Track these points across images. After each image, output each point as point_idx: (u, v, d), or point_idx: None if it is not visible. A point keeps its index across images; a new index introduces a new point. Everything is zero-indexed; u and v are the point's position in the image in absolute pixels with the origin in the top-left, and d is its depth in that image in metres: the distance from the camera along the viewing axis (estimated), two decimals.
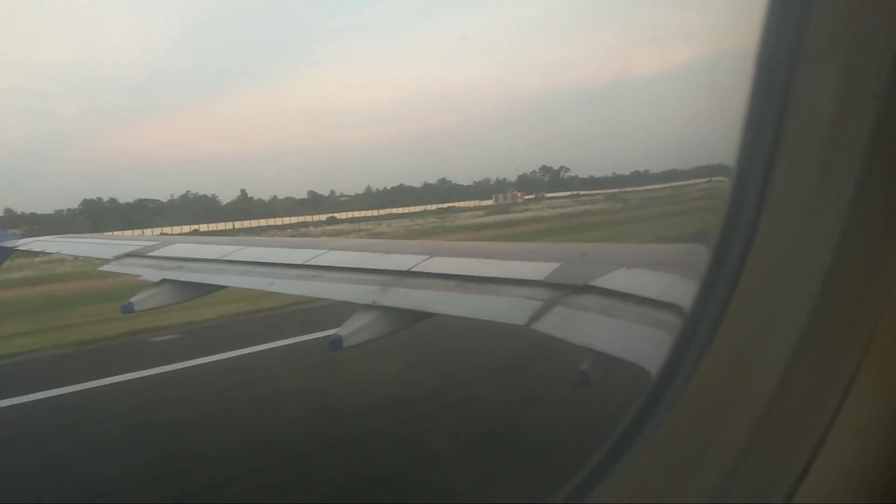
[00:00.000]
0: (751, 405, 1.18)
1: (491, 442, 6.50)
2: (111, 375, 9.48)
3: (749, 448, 1.18)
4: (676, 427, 1.28)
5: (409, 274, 4.74)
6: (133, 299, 6.17)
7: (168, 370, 9.76)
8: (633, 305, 3.15)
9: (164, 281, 6.30)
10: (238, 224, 53.04)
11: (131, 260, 7.50)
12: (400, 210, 62.74)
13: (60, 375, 9.66)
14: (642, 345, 2.87)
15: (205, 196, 68.39)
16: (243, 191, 69.41)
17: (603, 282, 3.53)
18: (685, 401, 1.27)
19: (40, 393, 8.85)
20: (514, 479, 5.64)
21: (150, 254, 7.43)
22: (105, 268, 7.79)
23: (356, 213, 61.53)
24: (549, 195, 73.05)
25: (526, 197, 72.95)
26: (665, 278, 3.33)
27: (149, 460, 6.51)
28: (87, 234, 13.74)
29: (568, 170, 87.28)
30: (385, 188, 79.90)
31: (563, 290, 3.67)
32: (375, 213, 63.12)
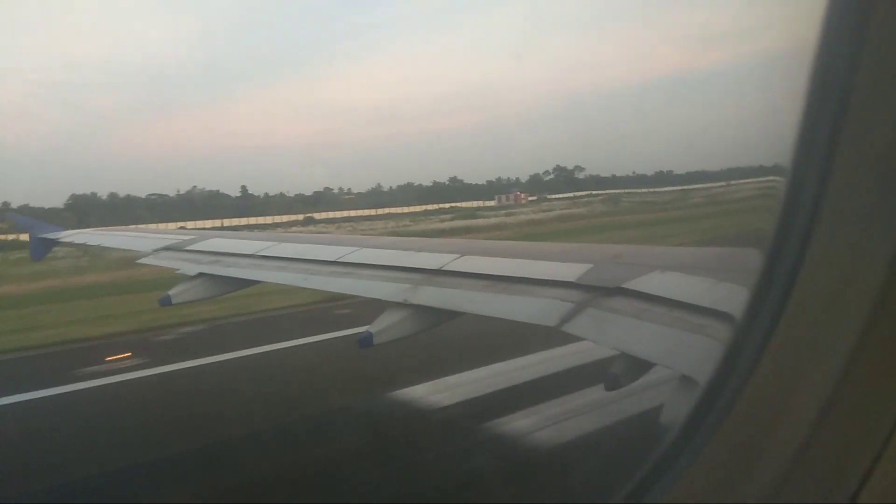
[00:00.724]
0: (810, 406, 1.17)
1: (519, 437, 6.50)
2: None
3: (808, 449, 1.18)
4: (734, 429, 1.28)
5: (440, 273, 4.76)
6: (171, 292, 6.31)
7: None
8: (666, 309, 3.11)
9: (200, 275, 6.43)
10: (227, 222, 51.94)
11: (168, 254, 7.68)
12: (400, 210, 60.95)
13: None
14: (675, 349, 2.85)
15: (211, 192, 68.67)
16: (244, 187, 69.81)
17: (636, 284, 3.49)
18: (744, 400, 1.27)
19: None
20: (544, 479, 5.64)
21: (186, 248, 7.59)
22: (143, 260, 7.98)
23: (345, 213, 58.90)
24: (551, 196, 71.61)
25: (530, 198, 71.73)
26: (700, 282, 3.29)
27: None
28: (126, 227, 14.07)
29: (583, 169, 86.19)
30: (393, 187, 79.73)
31: (595, 292, 3.65)
32: (373, 212, 60.46)
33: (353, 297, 5.32)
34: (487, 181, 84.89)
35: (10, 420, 8.14)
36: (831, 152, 1.13)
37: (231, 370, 9.88)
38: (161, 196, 64.43)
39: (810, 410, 1.17)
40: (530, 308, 3.88)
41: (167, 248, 7.83)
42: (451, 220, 47.27)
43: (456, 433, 6.94)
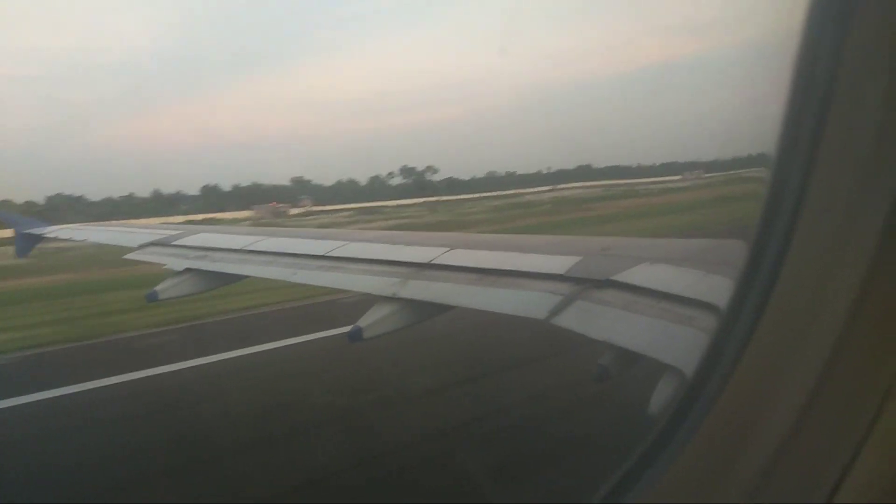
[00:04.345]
0: (791, 403, 1.17)
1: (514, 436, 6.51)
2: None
3: (789, 446, 1.17)
4: (716, 426, 1.27)
5: (429, 266, 4.73)
6: (157, 288, 6.23)
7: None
8: (655, 301, 3.12)
9: (187, 270, 6.36)
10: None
11: (155, 249, 7.58)
12: (158, 219, 56.42)
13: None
14: (664, 340, 2.85)
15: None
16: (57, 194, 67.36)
17: (625, 276, 3.50)
18: (724, 400, 1.26)
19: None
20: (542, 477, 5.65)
21: (173, 243, 7.51)
22: (130, 256, 7.88)
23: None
24: (296, 210, 58.96)
25: (291, 210, 58.83)
26: (689, 274, 3.30)
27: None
28: (112, 223, 13.95)
29: (436, 170, 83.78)
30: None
31: (583, 284, 3.65)
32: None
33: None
34: (338, 182, 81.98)
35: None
36: (814, 145, 1.12)
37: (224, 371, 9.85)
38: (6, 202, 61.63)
39: (792, 407, 1.16)
40: (519, 301, 3.87)
41: (153, 244, 7.74)
42: None
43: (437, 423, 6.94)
